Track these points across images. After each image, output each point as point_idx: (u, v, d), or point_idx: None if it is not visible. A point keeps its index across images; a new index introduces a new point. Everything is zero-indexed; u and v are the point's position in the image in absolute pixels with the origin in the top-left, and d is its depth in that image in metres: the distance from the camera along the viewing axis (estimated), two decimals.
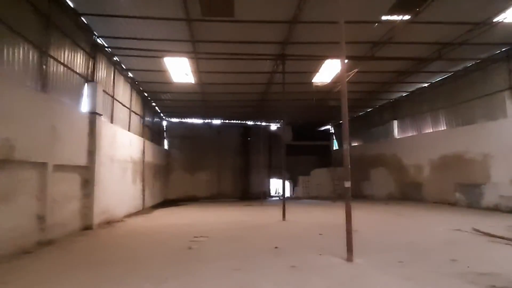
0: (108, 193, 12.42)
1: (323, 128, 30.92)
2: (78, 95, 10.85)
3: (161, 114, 24.47)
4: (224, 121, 27.34)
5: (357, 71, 14.90)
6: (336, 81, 16.73)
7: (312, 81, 16.84)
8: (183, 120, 26.55)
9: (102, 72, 12.58)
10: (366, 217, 13.15)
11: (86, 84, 11.25)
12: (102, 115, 11.69)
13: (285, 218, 12.26)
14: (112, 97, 13.57)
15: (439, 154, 17.21)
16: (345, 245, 6.32)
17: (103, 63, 12.64)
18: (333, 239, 8.33)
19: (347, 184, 6.19)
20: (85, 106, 11.17)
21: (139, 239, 9.10)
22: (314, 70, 15.55)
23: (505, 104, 13.85)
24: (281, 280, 5.21)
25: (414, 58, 14.13)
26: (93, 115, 11.17)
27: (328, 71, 15.53)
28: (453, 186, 16.26)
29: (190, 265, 6.12)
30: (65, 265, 6.28)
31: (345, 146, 6.33)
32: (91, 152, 11.03)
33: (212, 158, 26.54)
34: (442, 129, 17.51)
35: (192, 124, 26.85)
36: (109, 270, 5.89)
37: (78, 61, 10.75)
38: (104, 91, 12.49)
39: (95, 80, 11.68)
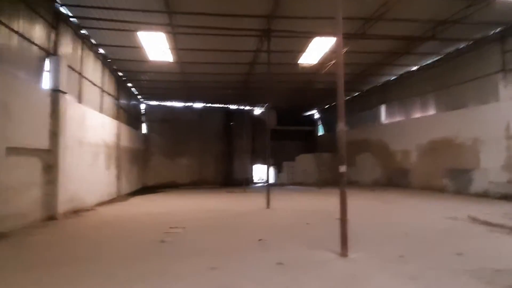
0: (76, 179, 11.34)
1: (308, 113, 30.20)
2: (38, 70, 9.61)
3: (139, 97, 23.12)
4: (206, 104, 26.19)
5: (346, 51, 14.12)
6: (323, 62, 15.92)
7: (299, 62, 15.96)
8: (162, 103, 25.25)
9: (68, 46, 11.28)
10: (353, 204, 12.42)
11: (47, 58, 10.01)
12: (67, 93, 10.48)
13: (270, 206, 11.50)
14: (80, 74, 12.30)
15: (428, 139, 16.74)
16: (338, 237, 5.57)
17: (69, 35, 11.33)
18: (322, 230, 7.62)
19: (342, 168, 5.40)
20: (46, 82, 9.96)
21: (108, 230, 8.14)
22: (301, 50, 14.64)
23: (497, 87, 13.33)
24: (266, 281, 4.41)
25: (406, 37, 13.40)
26: (56, 92, 9.97)
27: (316, 51, 14.66)
28: (441, 171, 15.86)
29: (161, 262, 5.25)
30: (14, 264, 5.31)
31: (340, 126, 5.51)
32: (54, 134, 9.87)
33: (193, 143, 25.46)
34: (431, 113, 16.99)
35: (172, 108, 25.59)
36: (67, 270, 4.95)
37: (37, 31, 9.46)
38: (69, 66, 11.23)
39: (58, 54, 10.41)
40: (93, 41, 13.24)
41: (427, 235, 6.93)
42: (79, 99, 12.26)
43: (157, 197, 16.86)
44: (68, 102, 10.78)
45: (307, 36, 13.18)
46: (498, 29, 13.06)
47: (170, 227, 7.98)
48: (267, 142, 12.79)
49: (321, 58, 15.38)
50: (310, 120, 29.98)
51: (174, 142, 25.07)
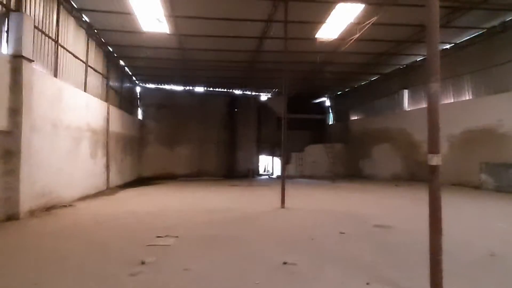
0: (49, 169, 9.30)
1: (318, 101, 27.94)
2: None
3: (133, 78, 20.88)
4: (208, 89, 23.95)
5: (373, 22, 11.95)
6: (344, 38, 13.68)
7: (316, 36, 13.73)
8: (160, 86, 22.98)
9: (37, 4, 9.09)
10: (382, 203, 10.47)
11: (7, 15, 7.87)
12: (33, 61, 8.34)
13: (284, 205, 9.42)
14: (56, 42, 10.13)
15: (462, 128, 14.56)
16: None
17: None
18: (367, 244, 5.53)
19: (435, 160, 3.28)
20: (5, 46, 7.84)
21: (77, 237, 6.10)
22: (320, 20, 12.42)
23: None
24: None
25: (449, 6, 11.16)
26: (18, 59, 7.83)
27: (337, 23, 12.45)
28: (477, 166, 13.72)
29: None
30: None
31: (433, 89, 3.38)
32: (15, 111, 7.77)
33: (193, 130, 23.26)
34: (467, 98, 14.79)
35: (171, 92, 23.33)
36: None
37: None
38: (40, 30, 9.09)
39: (22, 10, 8.24)
40: (73, 4, 11.04)
41: None
42: (55, 72, 10.12)
43: (151, 190, 14.82)
44: (37, 73, 8.66)
45: (329, 1, 10.97)
46: None
47: (158, 236, 5.93)
48: (283, 131, 10.68)
49: (342, 31, 13.16)
50: (320, 107, 27.74)
51: (173, 129, 22.90)
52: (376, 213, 8.47)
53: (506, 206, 9.60)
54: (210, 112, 23.64)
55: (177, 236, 5.97)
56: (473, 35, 14.10)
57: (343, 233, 6.24)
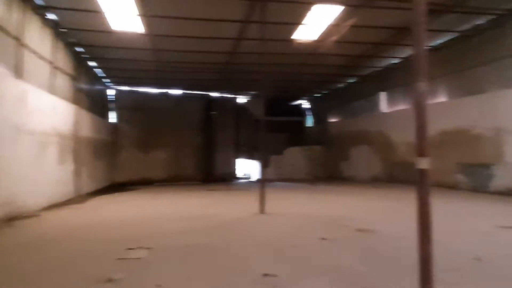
0: (11, 177, 8.63)
1: (296, 103, 27.92)
2: None
3: (106, 80, 20.08)
4: (184, 91, 23.41)
5: (352, 24, 11.98)
6: (322, 40, 13.61)
7: (293, 37, 13.59)
8: (134, 88, 22.24)
9: None
10: (363, 206, 10.39)
11: None
12: None
13: (264, 210, 9.12)
14: (18, 41, 9.45)
15: (438, 130, 14.71)
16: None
17: None
18: (349, 251, 5.31)
19: (423, 163, 3.08)
20: None
21: (38, 252, 5.55)
22: (297, 21, 12.27)
23: None
24: None
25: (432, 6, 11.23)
26: None
27: (315, 24, 12.34)
28: (453, 166, 13.94)
29: None
30: None
31: (421, 88, 3.19)
32: None
33: (169, 134, 22.62)
34: (442, 100, 15.03)
35: (146, 94, 22.60)
36: None
37: None
38: None
39: None
40: (38, 1, 10.38)
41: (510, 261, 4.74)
42: (18, 73, 9.43)
43: (125, 197, 14.17)
44: None
45: (307, 2, 10.82)
46: None
47: (128, 249, 5.48)
48: (261, 134, 10.42)
49: (321, 33, 13.06)
50: (299, 110, 27.72)
51: (148, 133, 22.19)
52: (357, 216, 8.33)
53: (483, 205, 9.69)
54: (186, 115, 23.09)
55: (150, 247, 5.55)
56: (447, 38, 14.35)
57: (325, 239, 6.00)
